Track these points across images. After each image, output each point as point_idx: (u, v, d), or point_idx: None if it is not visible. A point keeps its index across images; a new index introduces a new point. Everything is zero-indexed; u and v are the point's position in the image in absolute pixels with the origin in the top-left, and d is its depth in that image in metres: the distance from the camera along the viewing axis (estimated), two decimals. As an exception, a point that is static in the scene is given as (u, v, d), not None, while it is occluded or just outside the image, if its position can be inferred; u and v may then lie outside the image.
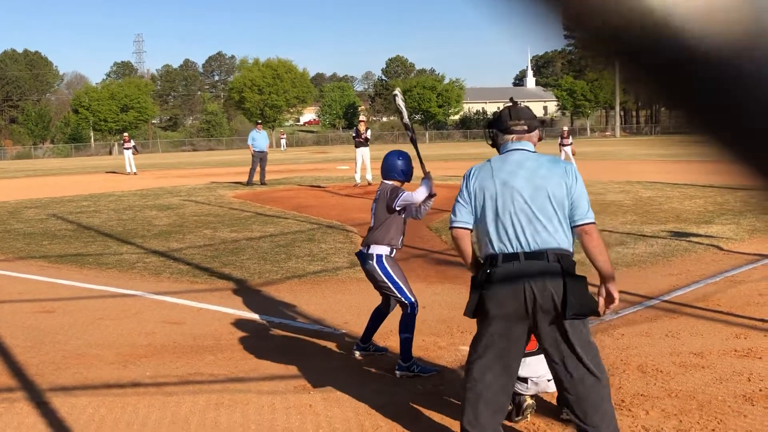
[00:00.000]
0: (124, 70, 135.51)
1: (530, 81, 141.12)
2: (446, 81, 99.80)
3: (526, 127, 4.13)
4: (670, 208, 14.87)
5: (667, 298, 7.72)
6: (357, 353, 6.13)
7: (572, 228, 3.89)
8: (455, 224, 4.11)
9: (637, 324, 6.75)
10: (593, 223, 3.90)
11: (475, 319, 4.02)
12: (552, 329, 3.76)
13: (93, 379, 5.69)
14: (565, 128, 29.41)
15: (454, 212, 4.13)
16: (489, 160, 4.10)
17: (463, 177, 4.16)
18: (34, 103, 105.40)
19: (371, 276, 5.80)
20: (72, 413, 4.95)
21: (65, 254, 11.66)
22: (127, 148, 34.19)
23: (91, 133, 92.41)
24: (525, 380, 4.52)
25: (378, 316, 6.07)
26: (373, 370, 5.80)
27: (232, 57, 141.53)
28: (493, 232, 3.90)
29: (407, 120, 6.21)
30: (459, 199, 4.11)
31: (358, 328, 6.69)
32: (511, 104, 4.33)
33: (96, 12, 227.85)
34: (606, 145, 58.37)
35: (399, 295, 5.68)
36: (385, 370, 5.74)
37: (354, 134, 22.35)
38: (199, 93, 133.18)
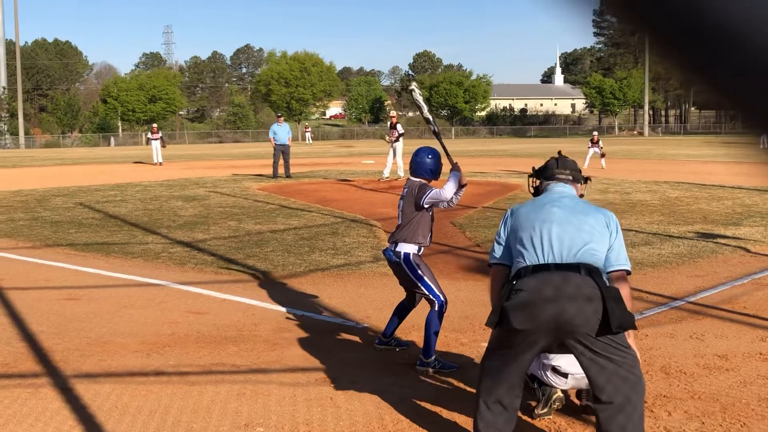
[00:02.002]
0: (152, 61, 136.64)
1: (558, 78, 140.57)
2: (473, 77, 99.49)
3: (570, 177, 4.25)
4: (697, 209, 14.74)
5: (692, 299, 7.66)
6: (378, 347, 6.14)
7: (607, 273, 3.90)
8: (492, 261, 4.21)
9: (661, 325, 6.70)
10: (629, 271, 3.94)
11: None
12: (588, 343, 3.65)
13: (117, 366, 5.74)
14: (595, 133, 30.61)
15: (492, 249, 4.23)
16: (532, 199, 4.26)
17: (503, 217, 4.25)
18: (63, 92, 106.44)
19: (399, 274, 5.80)
20: (95, 400, 5.00)
21: (91, 242, 11.77)
22: (155, 139, 34.48)
23: (119, 123, 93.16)
24: (565, 375, 4.49)
25: (401, 311, 6.07)
26: (395, 364, 5.81)
27: (260, 50, 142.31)
28: (526, 248, 3.89)
29: (428, 114, 6.19)
30: (497, 237, 4.21)
31: (380, 322, 6.69)
32: (557, 156, 4.44)
33: (126, 3, 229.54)
34: (634, 143, 57.94)
35: (427, 293, 5.67)
36: (407, 365, 5.74)
37: (391, 136, 21.68)
38: (226, 85, 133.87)
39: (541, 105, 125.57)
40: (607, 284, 3.79)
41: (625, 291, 3.84)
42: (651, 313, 7.07)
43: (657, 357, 5.80)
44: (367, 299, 7.90)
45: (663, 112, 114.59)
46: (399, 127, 21.83)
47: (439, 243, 10.82)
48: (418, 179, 5.85)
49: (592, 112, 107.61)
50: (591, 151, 28.57)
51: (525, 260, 3.87)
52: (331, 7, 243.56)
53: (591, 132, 32.23)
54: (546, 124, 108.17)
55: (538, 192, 4.33)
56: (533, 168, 4.47)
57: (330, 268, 9.55)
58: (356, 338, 6.53)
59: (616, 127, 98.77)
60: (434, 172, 5.90)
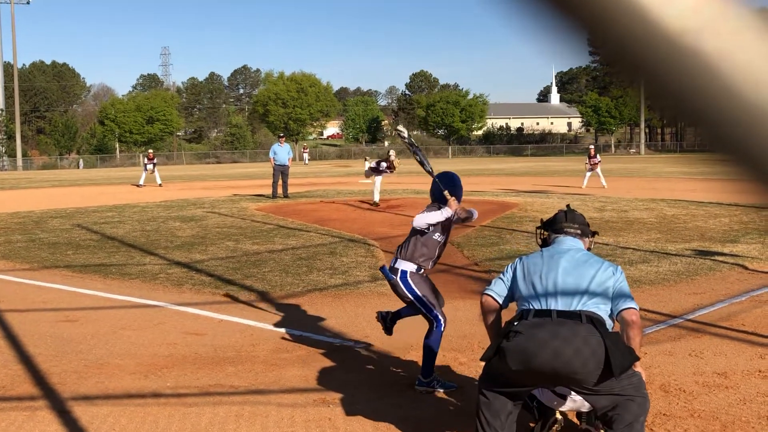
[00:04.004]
0: (150, 82, 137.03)
1: (554, 97, 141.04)
2: (470, 96, 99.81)
3: (579, 231, 4.33)
4: (694, 227, 14.75)
5: (690, 317, 7.65)
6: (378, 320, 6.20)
7: (617, 314, 3.93)
8: (486, 291, 4.25)
9: (660, 343, 6.69)
10: (636, 309, 3.95)
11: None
12: (590, 387, 3.66)
13: (114, 388, 5.72)
14: (592, 147, 29.66)
15: (493, 282, 4.29)
16: (541, 251, 4.32)
17: (512, 262, 4.32)
18: (61, 114, 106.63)
19: (395, 290, 5.79)
20: (93, 422, 4.98)
21: (89, 264, 11.75)
22: (149, 164, 34.76)
23: (117, 145, 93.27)
24: (564, 397, 4.47)
25: (399, 312, 6.07)
26: (393, 384, 5.79)
27: (257, 70, 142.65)
28: (529, 293, 3.97)
29: (422, 158, 6.06)
30: (501, 275, 4.28)
31: (379, 341, 6.69)
32: (566, 210, 4.52)
33: (123, 25, 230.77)
34: (631, 162, 58.05)
35: (425, 311, 5.65)
36: (406, 385, 5.73)
37: (378, 167, 20.94)
38: (223, 106, 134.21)
39: (538, 124, 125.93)
40: (610, 331, 3.80)
41: (635, 331, 3.88)
42: (650, 331, 7.06)
43: (656, 375, 5.78)
44: (365, 319, 7.88)
45: (659, 130, 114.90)
46: (383, 164, 20.97)
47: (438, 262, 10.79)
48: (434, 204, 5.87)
49: (588, 130, 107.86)
50: (589, 173, 27.52)
51: (528, 305, 3.92)
52: (328, 28, 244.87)
53: (586, 149, 30.83)
54: (542, 143, 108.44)
55: (546, 243, 4.40)
56: (542, 220, 4.57)
57: (328, 288, 9.54)
58: (355, 358, 6.51)
59: (613, 146, 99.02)
60: (434, 195, 5.86)
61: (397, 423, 4.91)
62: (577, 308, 3.79)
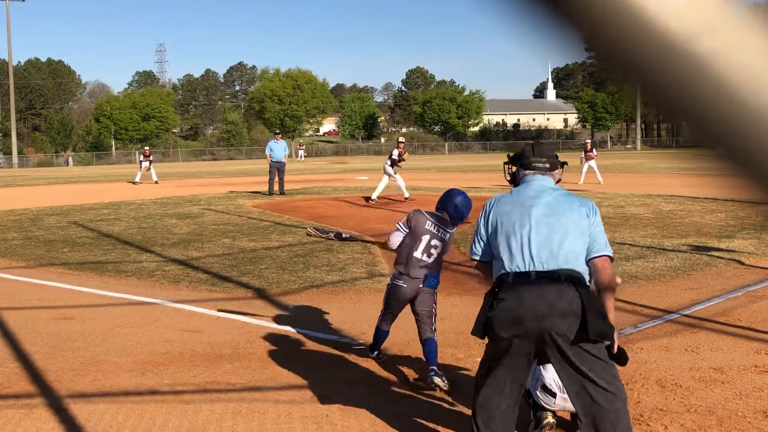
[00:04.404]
0: (146, 79, 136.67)
1: (551, 93, 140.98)
2: (466, 92, 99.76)
3: (548, 165, 4.15)
4: (690, 222, 14.77)
5: (686, 312, 7.67)
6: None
7: (588, 260, 3.85)
8: (473, 257, 4.19)
9: (656, 338, 6.70)
10: (610, 256, 3.89)
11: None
12: (566, 350, 3.65)
13: (111, 386, 5.72)
14: (588, 141, 29.66)
15: (474, 244, 4.17)
16: (510, 192, 4.14)
17: (482, 210, 4.17)
18: (56, 111, 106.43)
19: (422, 297, 5.86)
20: (90, 420, 4.98)
21: (85, 262, 11.74)
22: (145, 161, 34.71)
23: (113, 142, 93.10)
24: (554, 395, 4.47)
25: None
26: (390, 381, 5.80)
27: (253, 67, 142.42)
28: (506, 253, 3.86)
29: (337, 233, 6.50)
30: (477, 233, 4.15)
31: (376, 338, 6.69)
32: (533, 143, 4.35)
33: (119, 22, 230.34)
34: (627, 157, 58.10)
35: (434, 319, 5.89)
36: (402, 382, 5.74)
37: (396, 158, 21.04)
38: (219, 103, 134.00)
39: (534, 120, 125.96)
40: (588, 286, 3.79)
41: (607, 279, 3.83)
42: (646, 327, 7.07)
43: (652, 370, 5.80)
44: (362, 315, 7.88)
45: (655, 126, 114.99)
46: (395, 152, 21.00)
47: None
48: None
49: (584, 126, 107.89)
50: (586, 165, 27.64)
51: (505, 267, 3.84)
52: (324, 24, 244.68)
53: (583, 144, 30.90)
54: (539, 139, 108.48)
55: (514, 180, 4.24)
56: (508, 155, 4.41)
57: (325, 285, 9.54)
58: (352, 355, 6.51)
59: (608, 141, 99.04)
60: (442, 204, 6.35)
61: (393, 419, 4.92)
62: (555, 266, 3.74)
